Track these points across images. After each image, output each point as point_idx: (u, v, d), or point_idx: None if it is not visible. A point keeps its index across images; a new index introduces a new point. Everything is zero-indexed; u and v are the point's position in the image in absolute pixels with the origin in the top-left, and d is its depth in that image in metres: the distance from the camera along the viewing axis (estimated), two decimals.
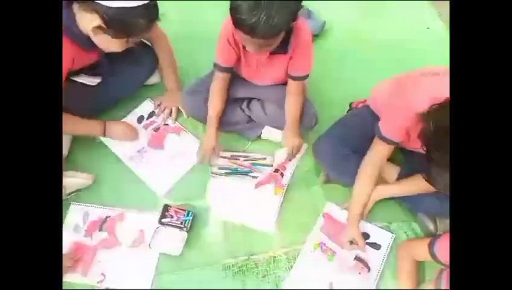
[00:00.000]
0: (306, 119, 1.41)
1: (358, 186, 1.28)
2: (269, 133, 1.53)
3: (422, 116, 0.94)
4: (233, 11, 0.97)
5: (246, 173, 1.48)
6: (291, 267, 1.32)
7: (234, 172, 1.48)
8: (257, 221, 1.39)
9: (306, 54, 1.25)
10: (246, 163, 1.50)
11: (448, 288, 1.09)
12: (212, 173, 1.47)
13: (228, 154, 1.52)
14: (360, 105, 1.46)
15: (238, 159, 1.51)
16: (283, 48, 1.19)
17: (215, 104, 1.39)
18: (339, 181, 1.42)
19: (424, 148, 0.93)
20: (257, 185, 1.45)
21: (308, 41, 1.23)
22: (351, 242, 1.29)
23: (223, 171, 1.48)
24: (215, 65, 1.33)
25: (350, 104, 1.56)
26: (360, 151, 1.26)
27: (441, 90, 0.91)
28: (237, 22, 0.98)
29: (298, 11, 1.03)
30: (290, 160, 1.48)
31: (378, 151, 1.20)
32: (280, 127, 1.47)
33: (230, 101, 1.50)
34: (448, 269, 1.12)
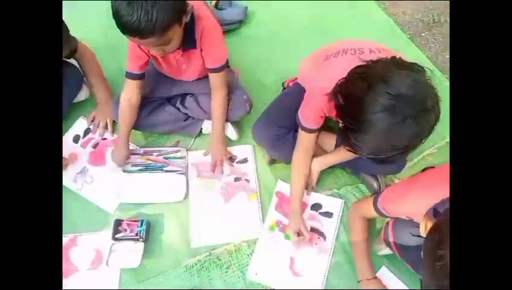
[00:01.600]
0: (238, 108, 1.43)
1: (293, 182, 1.33)
2: (210, 127, 1.54)
3: (330, 96, 0.97)
4: (114, 16, 0.97)
5: (159, 168, 1.49)
6: (252, 252, 1.35)
7: (147, 168, 1.48)
8: (245, 233, 1.39)
9: (215, 44, 1.24)
10: (160, 158, 1.51)
11: (394, 239, 1.16)
12: (125, 170, 1.47)
13: (141, 150, 1.53)
14: (291, 84, 1.50)
15: (152, 155, 1.52)
16: (190, 43, 1.19)
17: (124, 114, 1.38)
18: (282, 161, 1.45)
19: (340, 121, 0.96)
20: (227, 200, 1.45)
21: (214, 31, 1.22)
22: (298, 234, 1.32)
23: (136, 168, 1.48)
24: (126, 73, 1.32)
25: (283, 84, 1.59)
26: (293, 128, 1.29)
27: (344, 68, 0.94)
28: (120, 25, 0.97)
29: (181, 3, 1.02)
30: (213, 172, 1.49)
31: (303, 141, 1.25)
32: None
33: (164, 101, 1.49)
34: (393, 220, 1.19)
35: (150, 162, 1.50)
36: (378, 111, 0.82)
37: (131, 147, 1.50)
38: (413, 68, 0.85)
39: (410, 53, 1.79)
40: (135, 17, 0.92)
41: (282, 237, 1.37)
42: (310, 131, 1.20)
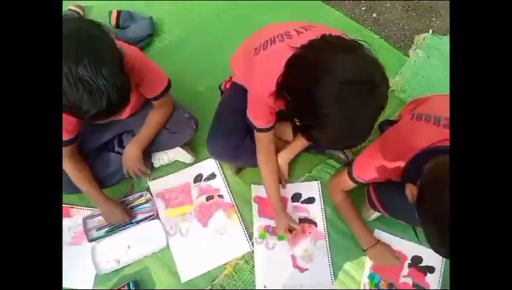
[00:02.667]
0: (183, 129, 1.32)
1: (267, 183, 1.29)
2: (161, 158, 1.42)
3: (275, 96, 0.92)
4: (77, 110, 0.82)
5: (129, 223, 1.36)
6: (253, 266, 1.31)
7: (116, 227, 1.35)
8: (234, 251, 1.33)
9: (148, 73, 1.12)
10: None
11: (379, 201, 1.19)
12: (91, 239, 1.33)
13: (99, 211, 1.35)
14: (229, 85, 1.42)
15: None
16: None
17: (81, 178, 1.23)
18: (248, 167, 1.40)
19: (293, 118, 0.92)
20: (205, 224, 1.37)
21: (142, 61, 1.09)
22: (290, 231, 1.31)
23: (102, 231, 1.35)
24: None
25: (219, 87, 1.50)
26: (248, 131, 1.23)
27: (277, 61, 0.88)
28: (90, 118, 0.84)
29: (122, 62, 0.88)
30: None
31: (262, 141, 1.19)
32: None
33: (101, 151, 1.33)
34: (372, 184, 1.21)
35: None
36: (330, 104, 0.78)
37: (87, 212, 1.35)
38: (350, 47, 0.81)
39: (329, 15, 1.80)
40: (103, 107, 0.81)
41: (276, 240, 1.34)
42: (265, 130, 1.15)
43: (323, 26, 1.08)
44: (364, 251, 1.29)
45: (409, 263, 1.33)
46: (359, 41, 0.84)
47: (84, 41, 0.80)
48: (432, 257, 1.31)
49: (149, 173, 1.40)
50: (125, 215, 1.32)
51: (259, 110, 1.10)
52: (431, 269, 1.31)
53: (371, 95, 0.78)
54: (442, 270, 1.30)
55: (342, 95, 0.77)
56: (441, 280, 1.29)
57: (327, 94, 0.78)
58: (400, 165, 1.02)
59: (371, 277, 1.31)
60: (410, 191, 0.87)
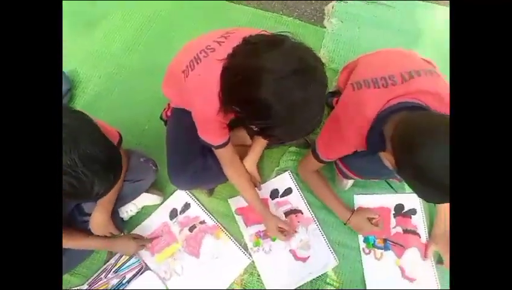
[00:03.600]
0: (144, 175, 1.26)
1: (244, 193, 1.28)
2: (129, 210, 1.35)
3: (223, 110, 0.91)
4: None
5: (120, 286, 1.28)
6: (259, 275, 1.30)
7: None
8: (235, 269, 1.31)
9: None
10: (111, 277, 1.30)
11: (349, 170, 1.24)
12: None
13: (84, 285, 1.28)
14: (169, 112, 1.37)
15: (99, 281, 1.29)
16: None
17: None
18: (217, 185, 1.39)
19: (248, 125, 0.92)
20: (197, 254, 1.33)
21: None
22: (281, 231, 1.31)
23: None
24: None
25: (161, 117, 1.45)
26: (206, 150, 1.20)
27: (209, 79, 0.88)
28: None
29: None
30: None
31: (223, 157, 1.17)
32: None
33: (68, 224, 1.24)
34: (340, 159, 1.26)
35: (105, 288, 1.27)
36: (276, 102, 0.79)
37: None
38: (274, 42, 0.82)
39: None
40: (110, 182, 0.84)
41: (271, 242, 1.34)
42: (223, 145, 1.13)
43: (241, 29, 1.08)
44: (345, 224, 1.34)
45: (393, 214, 1.41)
46: (281, 34, 0.85)
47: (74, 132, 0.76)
48: (410, 201, 1.40)
49: (122, 232, 1.32)
50: (135, 247, 1.28)
51: (211, 129, 1.08)
52: (413, 211, 1.40)
53: (310, 79, 0.80)
54: (422, 209, 1.39)
55: (283, 89, 0.78)
56: (424, 218, 1.38)
57: (270, 93, 0.79)
58: (361, 138, 1.04)
59: (366, 240, 1.37)
60: (387, 159, 0.90)
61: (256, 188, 1.38)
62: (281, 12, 1.82)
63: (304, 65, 0.80)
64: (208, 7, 1.84)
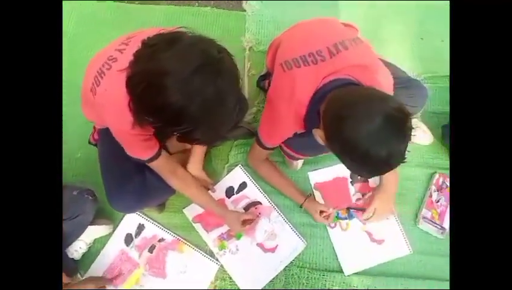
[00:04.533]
0: (79, 207, 1.16)
1: (197, 199, 1.23)
2: (75, 248, 1.25)
3: (137, 122, 0.83)
4: None
5: None
6: (231, 278, 1.26)
7: None
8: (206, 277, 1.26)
9: None
10: None
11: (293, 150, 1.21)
12: None
13: None
14: (96, 136, 1.26)
15: None
16: None
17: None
18: (166, 199, 1.32)
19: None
20: (164, 274, 1.26)
21: None
22: (244, 224, 1.26)
23: None
24: None
25: (91, 143, 1.33)
26: (142, 167, 1.11)
27: (119, 91, 0.80)
28: None
29: None
30: None
31: (162, 168, 1.09)
32: None
33: None
34: (283, 143, 1.23)
35: None
36: (188, 103, 0.74)
37: None
38: (171, 40, 0.76)
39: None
40: None
41: (237, 242, 1.30)
42: (156, 157, 1.05)
43: (142, 31, 0.99)
44: (300, 207, 1.33)
45: (350, 181, 1.41)
46: (178, 30, 0.79)
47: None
48: None
49: (78, 275, 1.22)
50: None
51: (134, 144, 1.00)
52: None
53: (217, 72, 0.75)
54: None
55: (191, 89, 0.73)
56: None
57: (178, 96, 0.73)
58: (299, 120, 1.03)
59: None
60: (318, 135, 0.90)
61: (209, 191, 1.33)
62: (197, 4, 1.74)
63: (207, 59, 0.75)
64: (119, 13, 1.71)
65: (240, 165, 1.39)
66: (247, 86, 1.54)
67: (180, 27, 0.82)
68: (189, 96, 0.73)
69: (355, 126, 0.77)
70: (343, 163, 0.87)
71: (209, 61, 0.74)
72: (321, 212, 1.29)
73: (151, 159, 1.04)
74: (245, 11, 1.71)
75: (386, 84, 1.04)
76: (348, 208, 1.37)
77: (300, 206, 1.32)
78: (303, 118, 1.03)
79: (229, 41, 1.63)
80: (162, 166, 1.09)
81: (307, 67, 0.99)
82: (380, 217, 1.30)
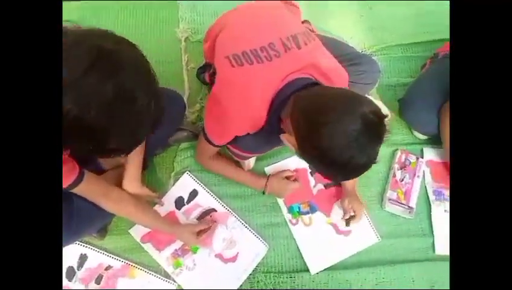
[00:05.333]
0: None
1: (142, 221, 1.11)
2: None
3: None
4: None
5: None
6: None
7: None
8: None
9: None
10: None
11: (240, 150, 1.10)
12: None
13: None
14: None
15: None
16: None
17: None
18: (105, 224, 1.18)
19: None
20: None
21: None
22: (199, 235, 1.15)
23: None
24: None
25: None
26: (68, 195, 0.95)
27: None
28: None
29: None
30: None
31: (90, 192, 0.95)
32: None
33: None
34: (230, 144, 1.11)
35: None
36: (87, 112, 0.62)
37: None
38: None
39: None
40: None
41: (193, 256, 1.18)
42: (77, 183, 0.88)
43: None
44: (264, 193, 1.23)
45: (310, 172, 1.31)
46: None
47: None
48: None
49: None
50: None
51: None
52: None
53: (116, 66, 0.63)
54: None
55: (85, 91, 0.61)
56: None
57: (71, 104, 0.61)
58: (256, 122, 0.95)
59: (291, 210, 1.26)
60: (289, 142, 0.85)
61: (157, 205, 1.20)
62: None
63: (100, 54, 0.62)
64: None
65: (187, 171, 1.26)
66: (187, 81, 1.40)
67: (67, 21, 0.67)
68: (84, 100, 0.61)
69: (335, 135, 0.72)
70: (315, 169, 0.85)
71: (102, 56, 0.61)
72: (287, 178, 1.23)
73: (72, 186, 0.89)
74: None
75: (342, 82, 1.00)
76: (310, 202, 1.27)
77: (264, 193, 1.22)
78: (262, 122, 0.95)
79: (163, 33, 1.48)
80: (89, 190, 0.95)
81: (261, 65, 0.90)
82: (360, 214, 1.21)
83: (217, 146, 1.09)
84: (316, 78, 0.93)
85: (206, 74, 1.30)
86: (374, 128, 0.73)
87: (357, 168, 0.76)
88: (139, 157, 1.08)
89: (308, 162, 0.88)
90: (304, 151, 0.81)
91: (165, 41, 1.47)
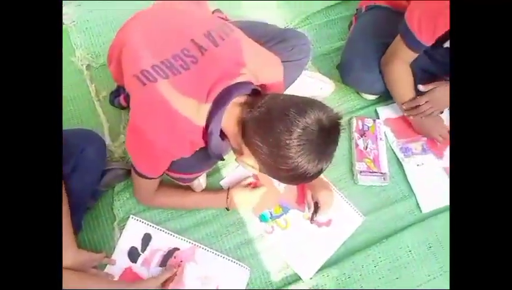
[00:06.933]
0: None
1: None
2: None
3: None
4: None
5: None
6: None
7: None
8: None
9: None
10: None
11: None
12: None
13: None
14: None
15: None
16: None
17: None
18: None
19: None
20: None
21: None
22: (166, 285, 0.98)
23: None
24: None
25: None
26: None
27: None
28: None
29: None
30: None
31: None
32: None
33: None
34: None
35: None
36: None
37: None
38: None
39: None
40: None
41: None
42: None
43: None
44: (228, 210, 1.08)
45: None
46: None
47: None
48: None
49: None
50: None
51: None
52: None
53: None
54: None
55: None
56: None
57: None
58: (191, 146, 0.82)
59: (263, 219, 1.11)
60: (247, 164, 0.78)
61: (108, 266, 1.00)
62: None
63: None
64: None
65: (131, 216, 1.06)
66: (102, 113, 1.18)
67: None
68: None
69: (300, 152, 0.68)
70: (274, 178, 0.81)
71: None
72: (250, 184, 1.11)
73: None
74: (66, 24, 1.32)
75: (275, 70, 0.92)
76: (280, 206, 1.13)
77: (227, 209, 1.07)
78: (199, 141, 0.81)
79: None
80: None
81: (178, 76, 0.76)
82: (327, 205, 1.09)
83: (154, 178, 0.91)
84: (247, 79, 0.81)
85: (121, 97, 1.11)
86: (333, 135, 0.72)
87: (315, 175, 0.73)
88: (64, 220, 0.87)
89: (268, 175, 0.79)
90: (269, 173, 0.77)
91: (66, 75, 1.24)
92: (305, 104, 0.71)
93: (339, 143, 1.17)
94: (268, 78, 0.88)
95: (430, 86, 1.16)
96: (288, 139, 0.68)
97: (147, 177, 0.90)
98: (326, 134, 0.70)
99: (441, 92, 1.15)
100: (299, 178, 0.74)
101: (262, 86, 0.88)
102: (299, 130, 0.68)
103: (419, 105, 1.15)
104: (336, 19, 1.44)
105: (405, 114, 1.21)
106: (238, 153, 0.79)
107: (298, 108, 0.70)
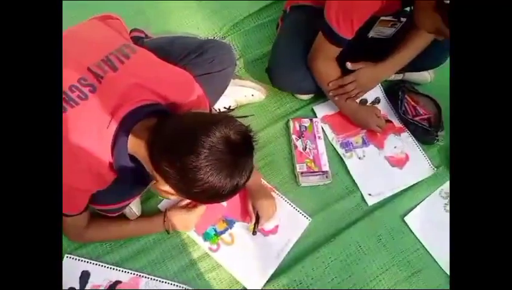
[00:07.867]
0: None
1: None
2: None
3: None
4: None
5: None
6: None
7: None
8: None
9: None
10: None
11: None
12: None
13: None
14: None
15: None
16: None
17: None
18: None
19: None
20: None
21: None
22: None
23: None
24: None
25: None
26: None
27: None
28: None
29: None
30: None
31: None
32: None
33: None
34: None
35: None
36: None
37: None
38: None
39: None
40: None
41: None
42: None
43: None
44: (168, 233, 1.04)
45: None
46: None
47: None
48: None
49: None
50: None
51: None
52: None
53: None
54: None
55: None
56: None
57: None
58: (100, 181, 0.80)
59: (207, 237, 1.07)
60: (164, 192, 0.76)
61: None
62: None
63: None
64: None
65: (65, 255, 1.00)
66: None
67: None
68: None
69: (209, 172, 0.66)
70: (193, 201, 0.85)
71: None
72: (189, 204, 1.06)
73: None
74: None
75: (188, 90, 0.89)
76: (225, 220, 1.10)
77: (168, 232, 1.03)
78: (109, 174, 0.79)
79: None
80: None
81: (76, 109, 0.73)
82: (268, 215, 1.07)
83: (78, 214, 0.86)
84: (152, 100, 0.79)
85: None
86: (247, 150, 0.71)
87: (235, 188, 0.71)
88: None
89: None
90: (186, 196, 0.78)
91: None
92: (210, 123, 0.69)
93: (279, 147, 1.23)
94: (179, 96, 0.85)
95: (358, 65, 1.16)
96: (195, 161, 0.66)
97: (68, 215, 0.85)
98: (235, 149, 0.68)
99: (367, 73, 1.15)
100: (216, 197, 0.72)
101: (175, 105, 0.85)
102: (205, 151, 0.66)
103: (345, 85, 1.15)
104: (265, 22, 1.43)
105: (330, 94, 1.20)
106: (155, 179, 0.76)
107: (202, 127, 0.68)
